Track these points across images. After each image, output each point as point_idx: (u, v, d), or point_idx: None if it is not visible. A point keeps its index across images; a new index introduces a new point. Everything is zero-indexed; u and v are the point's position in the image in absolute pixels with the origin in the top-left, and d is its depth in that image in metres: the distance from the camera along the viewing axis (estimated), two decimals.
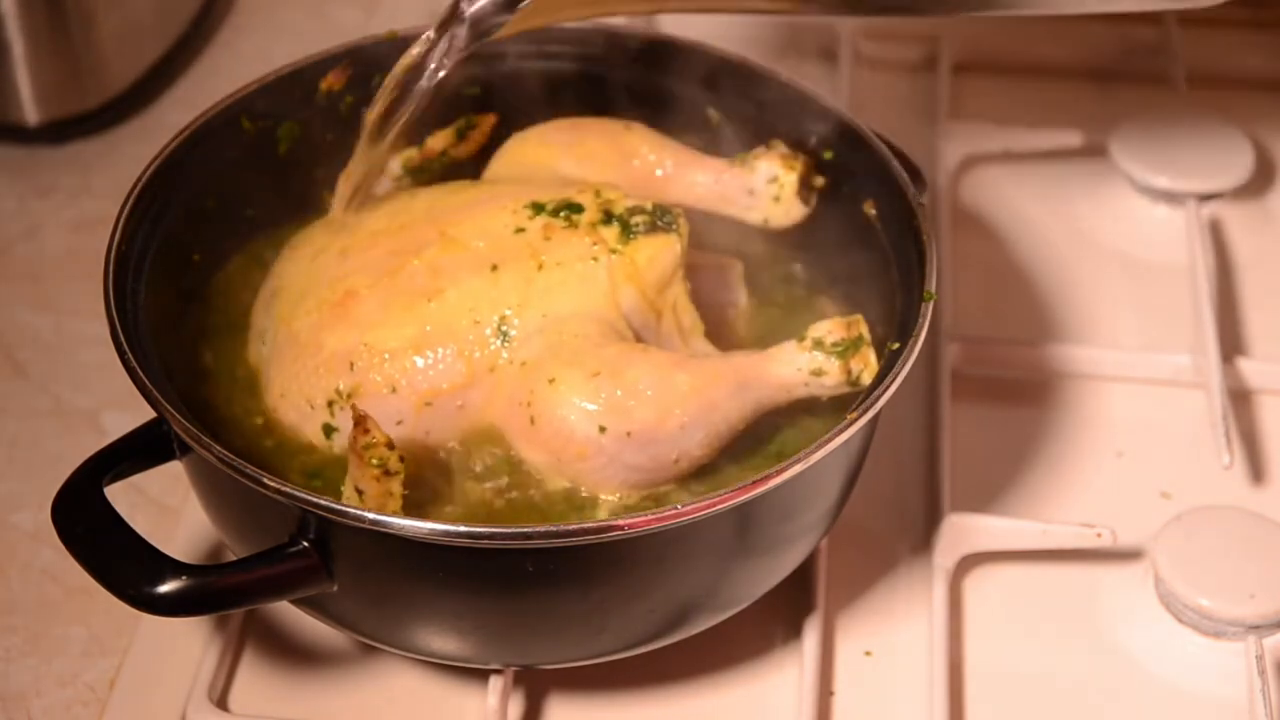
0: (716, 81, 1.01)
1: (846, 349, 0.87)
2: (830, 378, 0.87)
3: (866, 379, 0.87)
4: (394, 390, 0.87)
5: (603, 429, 0.84)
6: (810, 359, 0.87)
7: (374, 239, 0.92)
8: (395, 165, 1.00)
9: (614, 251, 0.89)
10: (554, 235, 0.90)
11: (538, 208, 0.91)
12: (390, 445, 0.82)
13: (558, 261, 0.89)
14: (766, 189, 0.97)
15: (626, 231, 0.90)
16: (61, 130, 1.26)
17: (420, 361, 0.87)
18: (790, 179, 0.96)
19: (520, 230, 0.90)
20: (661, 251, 0.90)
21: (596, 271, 0.89)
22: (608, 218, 0.91)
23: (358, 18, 1.40)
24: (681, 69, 1.02)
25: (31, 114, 1.23)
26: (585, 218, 0.91)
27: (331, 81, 1.00)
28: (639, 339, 0.89)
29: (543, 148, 0.99)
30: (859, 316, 0.88)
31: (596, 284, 0.89)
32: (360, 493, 0.82)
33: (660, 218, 0.91)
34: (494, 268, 0.89)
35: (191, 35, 1.36)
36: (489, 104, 1.03)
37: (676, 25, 1.36)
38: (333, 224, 0.96)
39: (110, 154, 1.26)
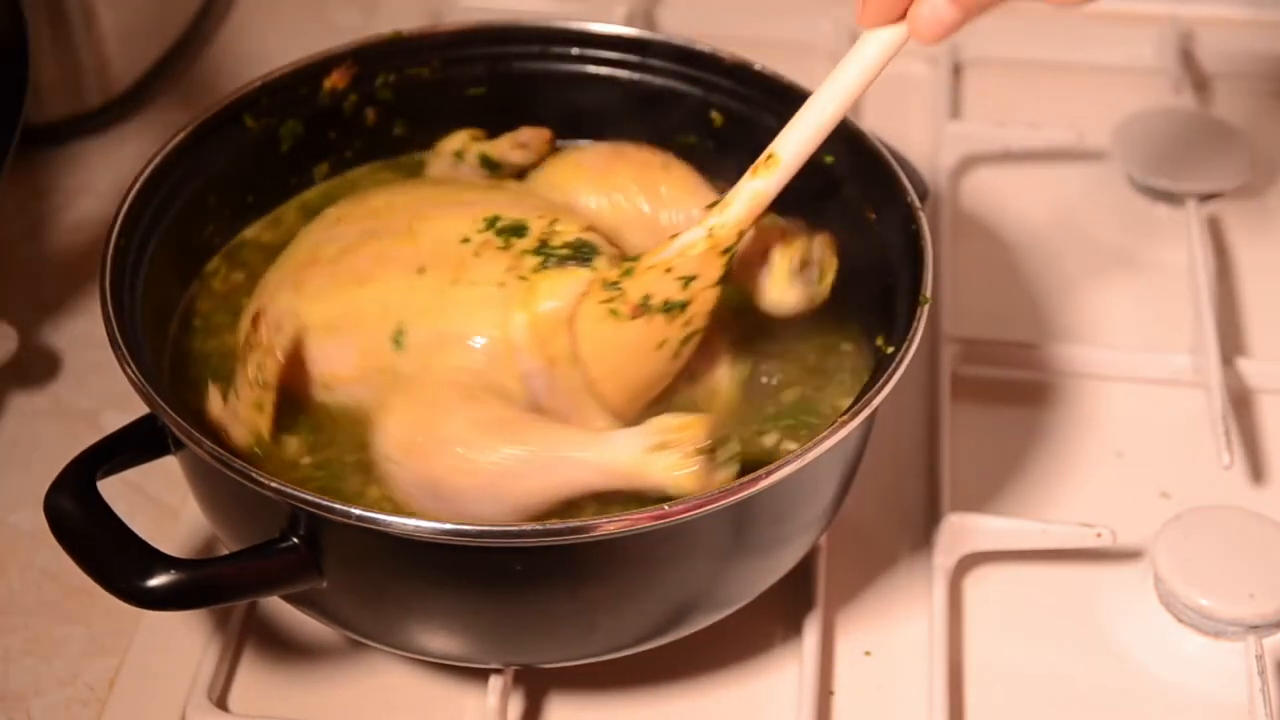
0: (719, 84, 1.01)
1: (679, 448, 0.81)
2: (652, 478, 0.80)
3: (685, 487, 0.80)
4: (300, 363, 0.88)
5: (400, 465, 0.84)
6: (640, 452, 0.81)
7: (368, 213, 0.93)
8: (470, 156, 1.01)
9: (523, 279, 0.87)
10: (484, 254, 0.88)
11: (491, 222, 0.90)
12: (275, 357, 0.84)
13: (472, 280, 0.87)
14: (768, 266, 0.90)
15: (545, 261, 0.87)
16: (61, 130, 1.26)
17: (329, 344, 0.88)
18: (779, 262, 0.90)
19: (465, 241, 0.89)
20: (562, 284, 0.86)
21: (498, 297, 0.86)
22: (540, 246, 0.88)
23: (357, 18, 1.40)
24: (684, 71, 1.02)
25: (32, 114, 1.23)
26: (522, 243, 0.88)
27: (335, 80, 1.01)
28: (526, 381, 0.86)
29: (574, 170, 0.96)
30: (702, 418, 0.81)
31: (493, 309, 0.86)
32: (236, 397, 0.84)
33: (579, 250, 0.88)
34: (421, 270, 0.88)
35: (191, 35, 1.36)
36: (492, 103, 1.03)
37: (678, 26, 1.36)
38: (367, 191, 0.97)
39: (110, 154, 1.26)
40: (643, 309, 0.86)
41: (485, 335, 0.86)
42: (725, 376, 0.91)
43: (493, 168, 1.01)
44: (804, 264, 0.90)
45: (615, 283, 0.86)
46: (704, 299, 0.86)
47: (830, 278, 0.91)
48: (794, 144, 0.86)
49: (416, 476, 0.83)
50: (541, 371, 0.86)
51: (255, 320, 0.85)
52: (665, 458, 0.80)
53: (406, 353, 0.87)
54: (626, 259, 0.88)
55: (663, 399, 0.89)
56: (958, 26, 0.81)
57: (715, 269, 0.86)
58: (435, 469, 0.83)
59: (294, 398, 0.89)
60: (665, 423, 0.81)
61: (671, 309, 0.86)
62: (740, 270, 0.89)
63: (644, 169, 0.96)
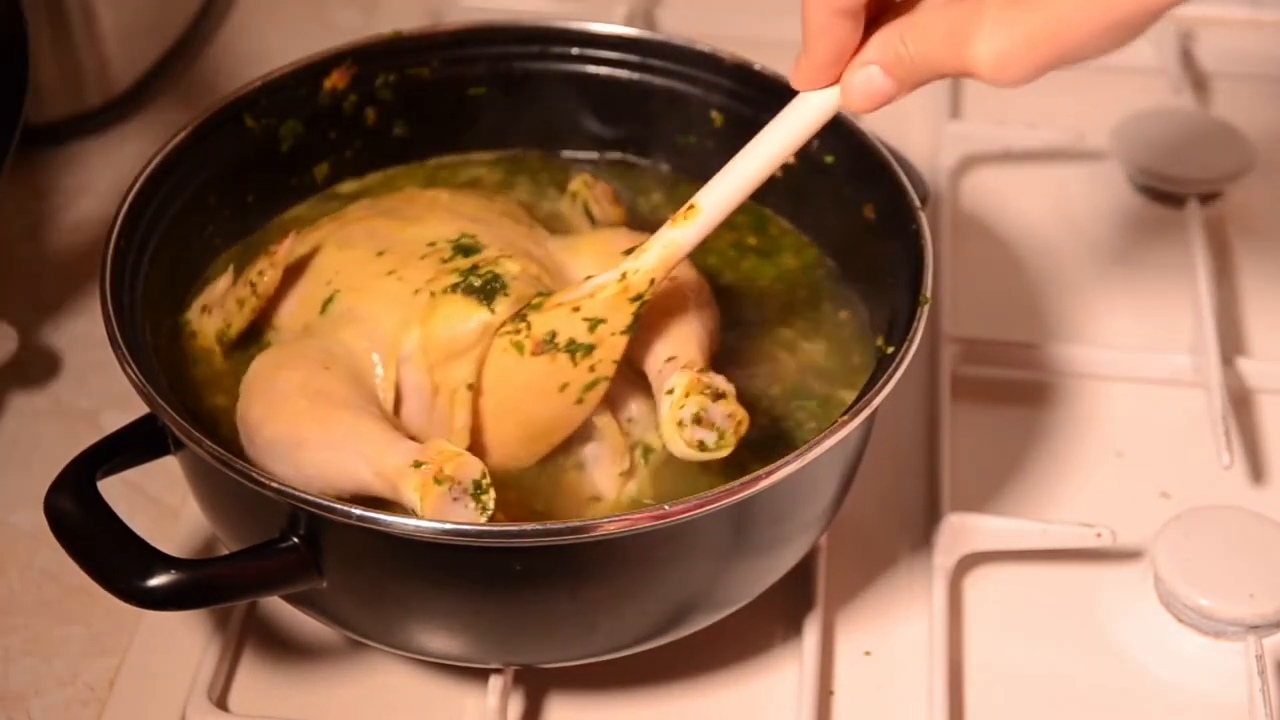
0: (719, 84, 1.01)
1: (431, 470, 0.80)
2: (399, 490, 0.80)
3: (417, 509, 0.80)
4: (268, 302, 0.91)
5: (241, 399, 0.87)
6: (403, 462, 0.81)
7: (408, 199, 0.96)
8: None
9: (433, 294, 0.87)
10: (429, 259, 0.89)
11: (459, 236, 0.90)
12: (278, 271, 0.89)
13: (401, 277, 0.88)
14: (664, 400, 0.84)
15: (457, 285, 0.87)
16: (61, 130, 1.26)
17: (297, 287, 0.91)
18: (673, 405, 0.83)
19: (431, 244, 0.90)
20: (460, 315, 0.85)
21: (408, 302, 0.87)
22: (469, 269, 0.87)
23: (357, 18, 1.40)
24: (684, 71, 1.02)
25: (32, 114, 1.23)
26: (461, 262, 0.88)
27: (335, 80, 1.01)
28: (404, 391, 0.86)
29: (596, 244, 0.93)
30: (472, 458, 0.80)
31: (398, 312, 0.87)
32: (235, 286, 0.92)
33: (488, 284, 0.87)
34: (380, 254, 0.90)
35: (191, 35, 1.36)
36: (492, 103, 1.03)
37: (678, 26, 1.36)
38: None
39: (110, 154, 1.26)
40: (547, 345, 0.85)
41: (382, 331, 0.87)
42: (614, 491, 0.88)
43: (591, 217, 1.00)
44: (698, 420, 0.82)
45: (523, 316, 0.86)
46: (610, 346, 0.85)
47: (720, 454, 0.83)
48: (716, 197, 0.84)
49: (242, 412, 0.87)
50: (423, 391, 0.87)
51: (283, 239, 0.90)
52: (416, 476, 0.80)
53: (325, 318, 0.89)
54: (538, 296, 0.87)
55: (560, 454, 0.88)
56: (891, 98, 0.79)
57: (624, 315, 0.85)
58: (255, 411, 0.86)
59: (259, 332, 0.92)
60: (439, 444, 0.81)
61: (576, 350, 0.85)
62: (652, 390, 0.86)
63: None
